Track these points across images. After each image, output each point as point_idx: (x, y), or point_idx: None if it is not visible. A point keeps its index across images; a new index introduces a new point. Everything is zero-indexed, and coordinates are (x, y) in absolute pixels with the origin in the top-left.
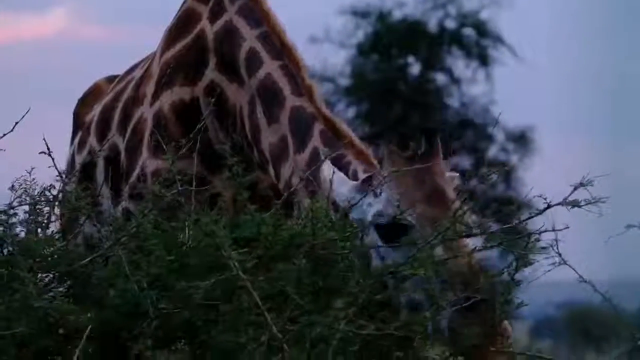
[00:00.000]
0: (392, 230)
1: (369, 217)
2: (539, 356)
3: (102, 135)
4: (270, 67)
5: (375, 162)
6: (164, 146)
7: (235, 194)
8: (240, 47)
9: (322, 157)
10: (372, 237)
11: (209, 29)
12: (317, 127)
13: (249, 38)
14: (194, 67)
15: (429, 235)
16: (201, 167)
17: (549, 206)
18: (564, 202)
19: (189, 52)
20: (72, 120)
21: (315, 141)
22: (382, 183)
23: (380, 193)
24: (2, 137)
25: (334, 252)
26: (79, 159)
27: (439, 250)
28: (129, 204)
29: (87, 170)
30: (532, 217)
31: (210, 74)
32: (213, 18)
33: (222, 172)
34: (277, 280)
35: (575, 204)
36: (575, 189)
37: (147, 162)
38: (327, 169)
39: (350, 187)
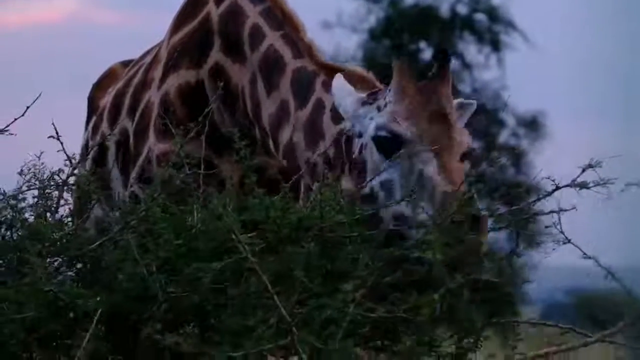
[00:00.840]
0: (391, 143)
1: (371, 131)
2: (547, 324)
3: (114, 121)
4: (272, 38)
5: (380, 85)
6: (172, 129)
7: (242, 177)
8: (244, 24)
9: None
10: (371, 150)
11: (214, 11)
12: (319, 80)
13: (252, 15)
14: (199, 50)
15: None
16: (208, 150)
17: (557, 188)
18: (573, 184)
19: (195, 35)
20: (86, 105)
21: (318, 93)
22: (387, 98)
23: (385, 106)
24: (13, 122)
25: (343, 235)
26: (92, 144)
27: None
28: (136, 187)
29: (100, 155)
30: (541, 199)
31: (215, 55)
32: (219, 1)
33: (229, 154)
34: (286, 263)
35: (583, 185)
36: (583, 170)
37: (153, 145)
38: (338, 85)
39: (355, 99)
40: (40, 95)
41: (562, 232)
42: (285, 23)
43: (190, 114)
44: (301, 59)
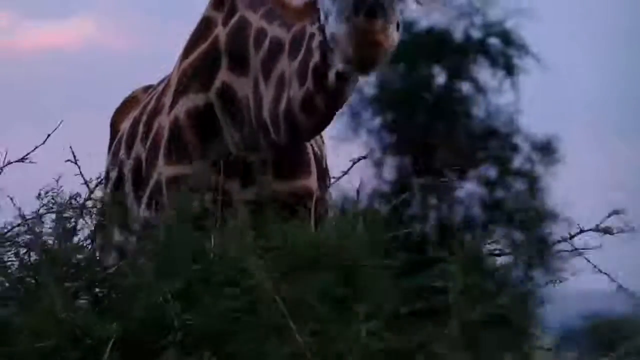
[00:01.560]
0: None
1: None
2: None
3: (130, 148)
4: (272, 31)
5: None
6: (181, 154)
7: (250, 201)
8: (250, 34)
9: None
10: (325, 8)
11: (222, 32)
12: (308, 28)
13: (255, 21)
14: (208, 73)
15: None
16: (217, 174)
17: (580, 231)
18: (597, 229)
19: (204, 58)
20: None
21: (307, 37)
22: None
23: None
24: (34, 150)
25: (361, 263)
26: (112, 171)
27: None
28: (146, 212)
29: (119, 182)
30: (562, 241)
31: (222, 75)
32: (226, 21)
33: (237, 177)
34: (302, 290)
35: (607, 231)
36: (608, 215)
37: (162, 169)
38: None
39: None
40: (61, 123)
41: (590, 262)
42: (284, 14)
43: (200, 137)
44: (293, 27)
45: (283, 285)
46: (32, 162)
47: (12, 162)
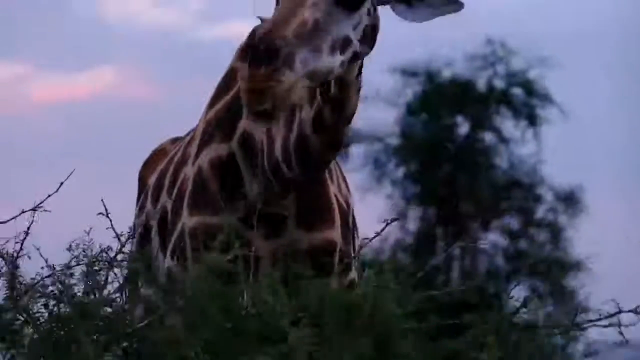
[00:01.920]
0: None
1: None
2: None
3: (157, 200)
4: None
5: None
6: (204, 204)
7: (274, 252)
8: None
9: None
10: None
11: None
12: None
13: None
14: (231, 123)
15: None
16: (239, 225)
17: (619, 312)
18: (636, 311)
19: (228, 108)
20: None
21: None
22: None
23: None
24: (47, 198)
25: (396, 326)
26: (139, 223)
27: None
28: (170, 263)
29: (146, 234)
30: (601, 319)
31: (243, 124)
32: None
33: (259, 228)
34: (336, 354)
35: None
36: None
37: (186, 219)
38: None
39: None
40: (73, 171)
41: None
42: None
43: (223, 187)
44: None
45: (319, 349)
46: (46, 211)
47: (25, 211)
